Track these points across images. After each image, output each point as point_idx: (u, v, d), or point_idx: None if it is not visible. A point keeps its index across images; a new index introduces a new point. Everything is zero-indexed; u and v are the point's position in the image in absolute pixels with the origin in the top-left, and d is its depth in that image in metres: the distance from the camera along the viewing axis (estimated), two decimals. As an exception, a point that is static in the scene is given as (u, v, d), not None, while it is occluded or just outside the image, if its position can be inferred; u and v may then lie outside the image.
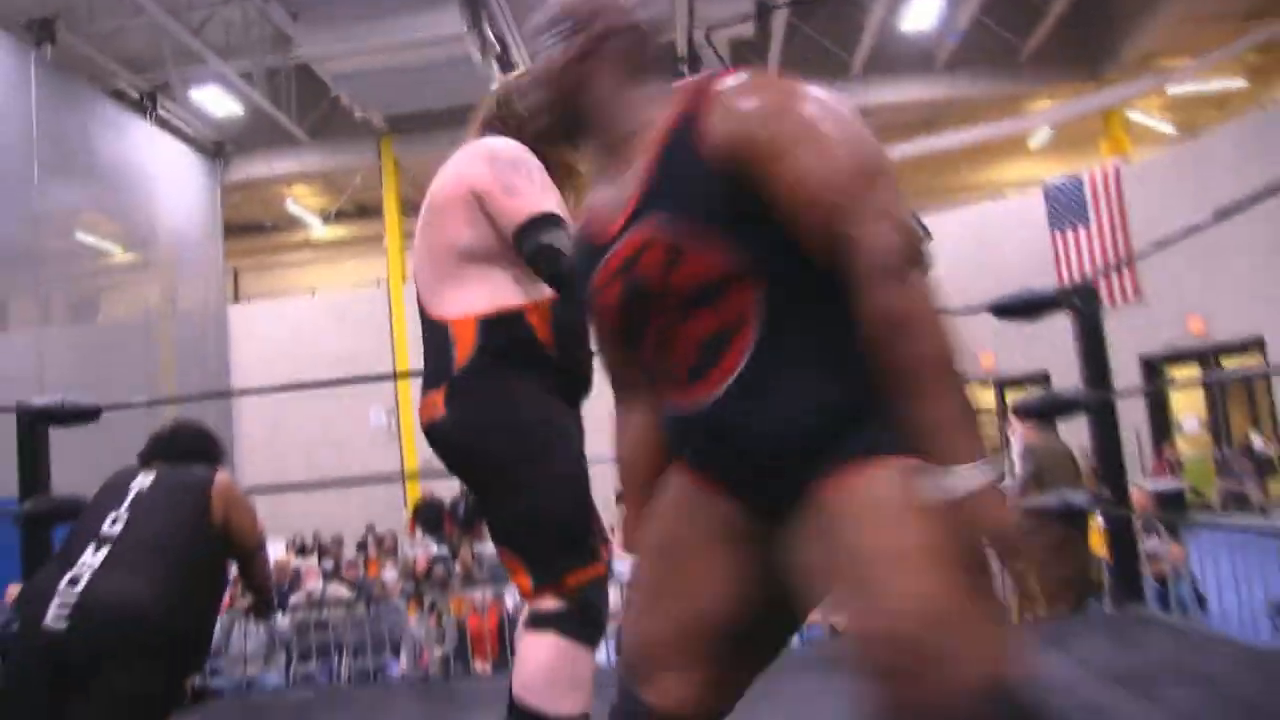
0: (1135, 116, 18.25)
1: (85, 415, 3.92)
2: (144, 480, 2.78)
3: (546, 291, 2.11)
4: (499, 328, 2.07)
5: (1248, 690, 2.62)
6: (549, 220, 2.03)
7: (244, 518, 2.87)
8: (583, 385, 2.21)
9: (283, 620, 6.78)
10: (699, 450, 1.56)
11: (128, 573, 2.51)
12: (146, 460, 2.96)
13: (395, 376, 16.12)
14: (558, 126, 1.66)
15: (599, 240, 1.58)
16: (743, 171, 1.41)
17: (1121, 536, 3.96)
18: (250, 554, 2.97)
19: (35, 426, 3.97)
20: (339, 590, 7.85)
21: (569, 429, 2.14)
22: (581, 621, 1.99)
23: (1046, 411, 3.95)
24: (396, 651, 7.04)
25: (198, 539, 2.71)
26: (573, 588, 1.99)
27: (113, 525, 2.62)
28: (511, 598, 6.34)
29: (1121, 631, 3.47)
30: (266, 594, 3.17)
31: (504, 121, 2.21)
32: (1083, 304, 3.85)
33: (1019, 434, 5.15)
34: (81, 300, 15.05)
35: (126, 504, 2.69)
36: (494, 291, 2.09)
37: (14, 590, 5.74)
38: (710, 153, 1.43)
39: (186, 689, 3.31)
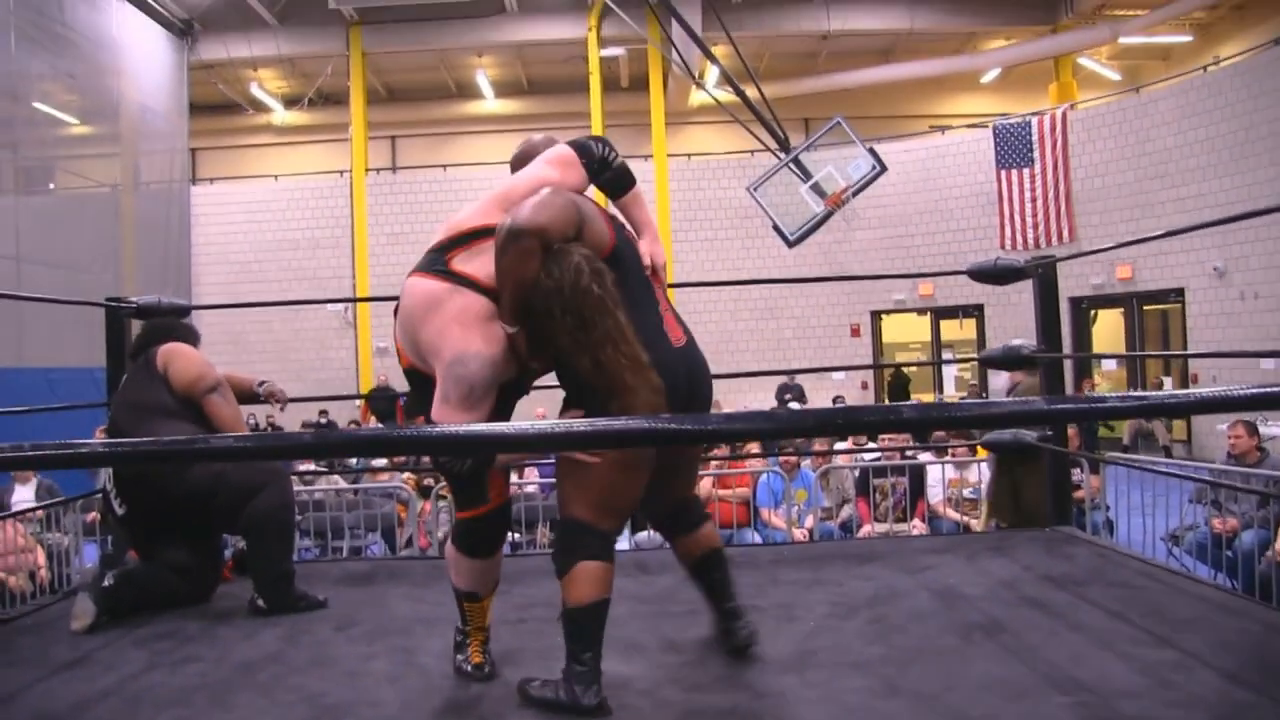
0: (1082, 61, 18.95)
1: (179, 312, 4.42)
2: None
3: None
4: None
5: (1153, 595, 3.38)
6: None
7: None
8: None
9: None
10: None
11: None
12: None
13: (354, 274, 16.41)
14: None
15: None
16: None
17: (1058, 470, 4.71)
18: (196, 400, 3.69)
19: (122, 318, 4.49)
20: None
21: None
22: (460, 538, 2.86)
23: (1007, 365, 4.63)
24: (385, 534, 7.75)
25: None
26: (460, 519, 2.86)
27: None
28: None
29: (1054, 546, 4.23)
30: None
31: None
32: (1044, 274, 4.54)
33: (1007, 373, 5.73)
34: (40, 168, 15.04)
35: None
36: None
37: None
38: None
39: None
